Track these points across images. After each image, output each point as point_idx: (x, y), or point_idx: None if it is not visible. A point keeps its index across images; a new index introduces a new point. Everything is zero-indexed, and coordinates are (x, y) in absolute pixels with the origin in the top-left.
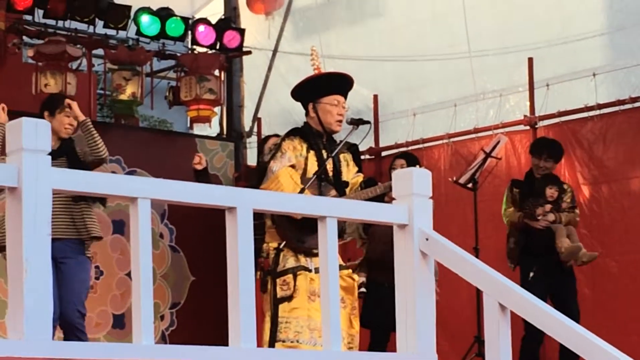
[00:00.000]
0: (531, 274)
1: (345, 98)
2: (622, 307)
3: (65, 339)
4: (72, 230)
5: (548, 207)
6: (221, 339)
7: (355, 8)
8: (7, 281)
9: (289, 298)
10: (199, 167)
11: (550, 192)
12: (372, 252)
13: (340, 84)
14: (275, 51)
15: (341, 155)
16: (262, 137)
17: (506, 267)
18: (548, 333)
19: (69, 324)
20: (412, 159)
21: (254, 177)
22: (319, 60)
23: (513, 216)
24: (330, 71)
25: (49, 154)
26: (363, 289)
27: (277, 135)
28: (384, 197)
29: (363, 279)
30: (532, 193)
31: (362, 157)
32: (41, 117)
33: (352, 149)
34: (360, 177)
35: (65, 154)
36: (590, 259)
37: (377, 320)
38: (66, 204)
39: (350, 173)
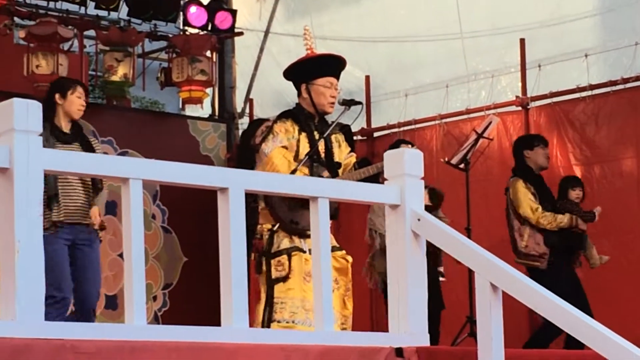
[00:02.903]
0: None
1: (338, 80)
2: (616, 288)
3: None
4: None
5: (599, 209)
6: (214, 319)
7: None
8: None
9: (284, 279)
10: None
11: (575, 193)
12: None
13: (333, 65)
14: (267, 32)
15: (333, 136)
16: (253, 119)
17: (499, 249)
18: (542, 315)
19: (91, 306)
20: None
21: (240, 158)
22: (312, 40)
23: (560, 219)
24: (324, 53)
25: (63, 134)
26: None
27: (269, 120)
28: (379, 177)
29: None
30: (556, 194)
31: (354, 138)
32: (51, 100)
33: (344, 129)
34: (353, 158)
35: (79, 140)
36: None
37: None
38: (85, 190)
39: (343, 154)
